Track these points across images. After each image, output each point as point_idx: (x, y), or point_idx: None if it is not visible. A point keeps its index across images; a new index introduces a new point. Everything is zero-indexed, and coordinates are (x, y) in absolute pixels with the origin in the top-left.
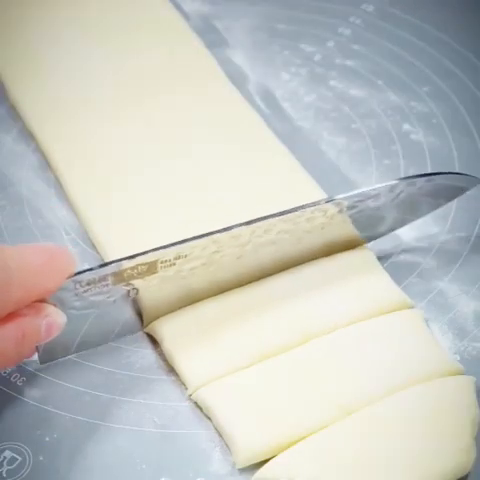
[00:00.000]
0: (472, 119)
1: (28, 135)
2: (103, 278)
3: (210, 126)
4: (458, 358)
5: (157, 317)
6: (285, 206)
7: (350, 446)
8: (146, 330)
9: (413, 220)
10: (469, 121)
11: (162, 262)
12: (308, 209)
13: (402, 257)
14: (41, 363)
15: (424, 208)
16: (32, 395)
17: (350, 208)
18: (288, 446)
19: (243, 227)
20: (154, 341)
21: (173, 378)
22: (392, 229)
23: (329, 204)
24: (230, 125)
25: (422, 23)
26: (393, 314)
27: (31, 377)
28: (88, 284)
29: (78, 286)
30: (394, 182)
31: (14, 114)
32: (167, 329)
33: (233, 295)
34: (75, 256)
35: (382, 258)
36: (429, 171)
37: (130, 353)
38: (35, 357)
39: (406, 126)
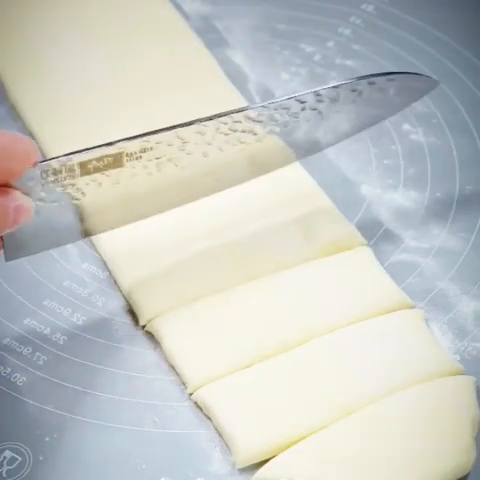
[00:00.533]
0: (472, 119)
1: (28, 135)
2: (70, 168)
3: None
4: (458, 358)
5: (106, 228)
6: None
7: (350, 446)
8: (147, 329)
9: (375, 122)
10: (469, 121)
11: (128, 155)
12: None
13: (402, 257)
14: (6, 260)
15: (385, 109)
16: (32, 395)
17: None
18: (288, 446)
19: (208, 122)
20: (154, 341)
21: (173, 378)
22: (358, 130)
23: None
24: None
25: (422, 23)
26: (393, 314)
27: (31, 377)
28: (55, 174)
29: (44, 175)
30: (355, 81)
31: (14, 114)
32: (167, 328)
33: (231, 292)
34: (75, 256)
35: (382, 258)
36: (429, 171)
37: (130, 353)
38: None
39: (406, 126)
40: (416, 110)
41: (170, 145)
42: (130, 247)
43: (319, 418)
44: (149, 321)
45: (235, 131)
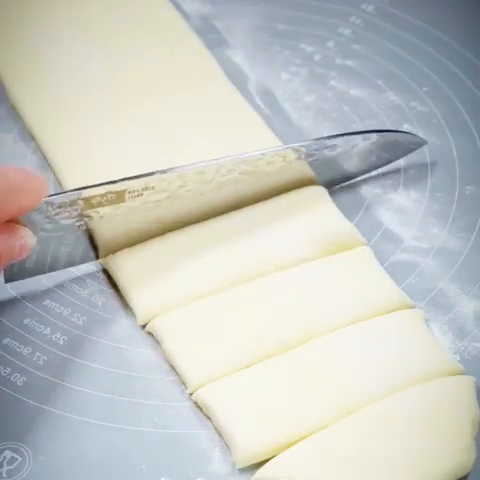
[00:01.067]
0: (472, 119)
1: (28, 135)
2: (74, 202)
3: (210, 125)
4: (458, 358)
5: (114, 250)
6: None
7: (350, 446)
8: (147, 329)
9: (368, 171)
10: (469, 121)
11: (130, 192)
12: (269, 153)
13: (402, 257)
14: (6, 282)
15: (377, 161)
16: (32, 395)
17: (308, 156)
18: (288, 446)
19: (209, 164)
20: (154, 341)
21: (173, 378)
22: (348, 178)
23: (288, 150)
24: (229, 125)
25: (422, 23)
26: (393, 314)
27: (31, 377)
28: (59, 207)
29: (50, 208)
30: (350, 136)
31: (14, 114)
32: (167, 328)
33: (231, 292)
34: None
35: (382, 258)
36: (429, 171)
37: (130, 353)
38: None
39: (406, 126)
40: (416, 110)
41: (170, 184)
42: (130, 248)
43: (319, 418)
44: (148, 321)
45: (233, 172)
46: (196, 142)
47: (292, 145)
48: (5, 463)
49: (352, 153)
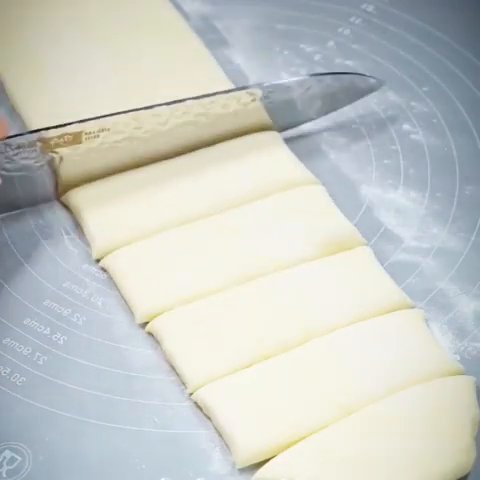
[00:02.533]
0: (472, 119)
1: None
2: (32, 143)
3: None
4: (458, 358)
5: (74, 186)
6: None
7: (350, 446)
8: (147, 329)
9: (325, 114)
10: (469, 121)
11: (86, 133)
12: (224, 95)
13: (402, 257)
14: None
15: (333, 104)
16: (32, 395)
17: (264, 98)
18: (288, 446)
19: (163, 107)
20: (154, 341)
21: (173, 378)
22: (304, 121)
23: (243, 93)
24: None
25: (422, 23)
26: (393, 314)
27: (31, 377)
28: (18, 147)
29: (8, 149)
30: (303, 78)
31: (14, 114)
32: (167, 328)
33: (231, 292)
34: (75, 256)
35: (382, 258)
36: (429, 171)
37: (130, 353)
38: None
39: (406, 126)
40: (416, 110)
41: (126, 126)
42: (129, 247)
43: (319, 418)
44: (146, 320)
45: (188, 114)
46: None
47: (247, 87)
48: (5, 463)
49: (307, 96)
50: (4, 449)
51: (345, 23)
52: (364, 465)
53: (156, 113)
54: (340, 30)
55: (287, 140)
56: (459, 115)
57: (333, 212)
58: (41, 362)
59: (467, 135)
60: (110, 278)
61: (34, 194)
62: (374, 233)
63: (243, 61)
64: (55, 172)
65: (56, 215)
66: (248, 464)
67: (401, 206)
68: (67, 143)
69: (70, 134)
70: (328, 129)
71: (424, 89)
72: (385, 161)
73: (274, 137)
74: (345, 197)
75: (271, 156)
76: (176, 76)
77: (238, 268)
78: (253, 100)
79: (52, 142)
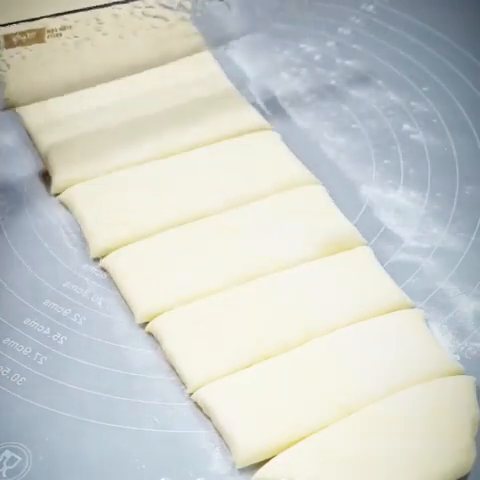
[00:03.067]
0: (472, 119)
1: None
2: None
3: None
4: (458, 358)
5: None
6: None
7: (350, 446)
8: (147, 329)
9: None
10: (469, 121)
11: (49, 31)
12: None
13: (402, 257)
14: None
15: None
16: (32, 395)
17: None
18: (288, 446)
19: (122, 4)
20: (154, 341)
21: (173, 378)
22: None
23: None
24: (229, 123)
25: (422, 23)
26: (393, 314)
27: (31, 377)
28: None
29: None
30: None
31: (14, 114)
32: (167, 328)
33: (231, 292)
34: (75, 257)
35: (382, 258)
36: (429, 171)
37: (130, 353)
38: None
39: (406, 126)
40: (416, 110)
41: (88, 25)
42: (129, 247)
43: (319, 418)
44: (146, 320)
45: (148, 16)
46: (195, 144)
47: None
48: (5, 463)
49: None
50: (4, 449)
51: (345, 23)
52: (364, 465)
53: (115, 13)
54: (340, 30)
55: (287, 140)
56: (459, 115)
57: (333, 212)
58: (41, 362)
59: (467, 135)
60: (110, 278)
61: None
62: (374, 233)
63: (243, 61)
64: (18, 76)
65: (56, 215)
66: (248, 464)
67: (401, 206)
68: (30, 41)
69: (33, 30)
70: (328, 129)
71: (424, 89)
72: (385, 161)
73: (274, 137)
74: (345, 197)
75: (271, 156)
76: (176, 76)
77: (238, 268)
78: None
79: (15, 39)
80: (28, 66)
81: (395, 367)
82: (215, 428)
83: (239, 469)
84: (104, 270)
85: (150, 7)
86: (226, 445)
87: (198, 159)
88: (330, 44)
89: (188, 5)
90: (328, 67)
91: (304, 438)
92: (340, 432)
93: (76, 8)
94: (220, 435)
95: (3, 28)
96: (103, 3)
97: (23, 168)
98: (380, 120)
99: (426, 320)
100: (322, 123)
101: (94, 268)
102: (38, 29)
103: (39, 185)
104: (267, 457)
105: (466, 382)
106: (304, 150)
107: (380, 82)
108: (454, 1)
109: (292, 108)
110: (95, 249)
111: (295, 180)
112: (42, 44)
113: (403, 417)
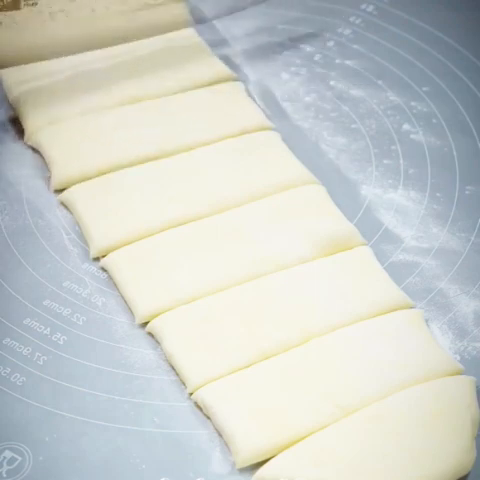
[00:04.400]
0: (472, 119)
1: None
2: None
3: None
4: (458, 358)
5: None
6: None
7: (350, 446)
8: (147, 329)
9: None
10: (469, 121)
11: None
12: None
13: (402, 257)
14: None
15: None
16: (32, 395)
17: None
18: (288, 446)
19: None
20: (154, 341)
21: (173, 378)
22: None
23: None
24: (228, 123)
25: (422, 23)
26: (393, 314)
27: (31, 377)
28: None
29: None
30: None
31: (14, 114)
32: (167, 328)
33: (232, 292)
34: (75, 256)
35: (382, 258)
36: (429, 171)
37: (130, 353)
38: None
39: (406, 126)
40: (416, 110)
41: None
42: (129, 247)
43: (319, 418)
44: (146, 320)
45: None
46: (196, 141)
47: None
48: (5, 463)
49: None
50: (4, 449)
51: (345, 23)
52: (364, 465)
53: None
54: (340, 30)
55: (286, 140)
56: (459, 115)
57: (333, 212)
58: (41, 362)
59: (467, 135)
60: (110, 278)
61: None
62: (374, 233)
63: (243, 61)
64: None
65: (56, 215)
66: (248, 464)
67: (401, 206)
68: (6, 7)
69: None
70: (328, 129)
71: (424, 89)
72: (385, 161)
73: (274, 137)
74: (345, 197)
75: (271, 156)
76: (176, 76)
77: (238, 268)
78: None
79: None
80: (3, 31)
81: (395, 367)
82: (215, 428)
83: (239, 469)
84: (104, 270)
85: None
86: (226, 445)
87: (198, 159)
88: (330, 44)
89: None
90: (328, 67)
91: (304, 438)
92: (340, 432)
93: None
94: (220, 435)
95: None
96: None
97: (23, 168)
98: (380, 120)
99: (426, 320)
100: (322, 123)
101: (94, 268)
102: None
103: (40, 184)
104: (267, 457)
105: (466, 382)
106: (304, 150)
107: (380, 82)
108: (454, 1)
109: (292, 108)
110: (95, 249)
111: (295, 180)
112: (18, 11)
113: (403, 417)
